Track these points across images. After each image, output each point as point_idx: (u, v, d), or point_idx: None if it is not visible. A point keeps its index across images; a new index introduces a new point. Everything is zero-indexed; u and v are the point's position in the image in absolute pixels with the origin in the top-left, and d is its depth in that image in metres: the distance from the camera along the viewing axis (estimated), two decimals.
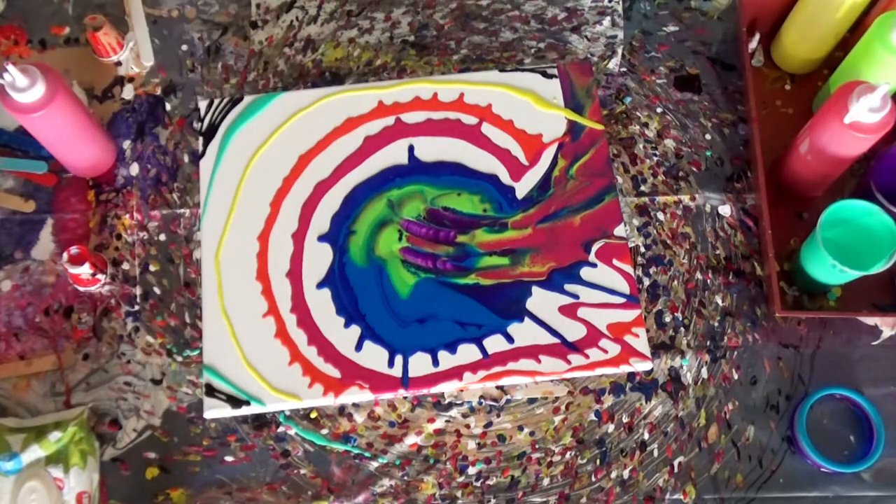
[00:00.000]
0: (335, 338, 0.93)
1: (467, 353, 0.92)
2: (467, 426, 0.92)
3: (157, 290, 0.97)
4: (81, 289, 0.96)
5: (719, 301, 0.96)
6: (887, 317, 0.95)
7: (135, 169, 1.02)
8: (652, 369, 0.93)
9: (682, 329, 0.95)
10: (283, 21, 1.10)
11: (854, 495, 0.90)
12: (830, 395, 0.92)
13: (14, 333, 0.95)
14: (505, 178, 0.99)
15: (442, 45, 1.08)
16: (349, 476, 0.91)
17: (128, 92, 1.06)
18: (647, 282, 0.97)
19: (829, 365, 0.94)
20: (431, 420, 0.92)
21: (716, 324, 0.96)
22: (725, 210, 1.00)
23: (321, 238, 0.97)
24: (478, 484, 0.90)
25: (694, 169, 1.02)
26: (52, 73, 0.89)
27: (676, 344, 0.95)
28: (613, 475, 0.90)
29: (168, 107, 1.05)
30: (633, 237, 0.99)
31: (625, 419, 0.92)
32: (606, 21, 1.09)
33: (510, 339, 0.92)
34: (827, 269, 0.88)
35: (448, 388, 0.91)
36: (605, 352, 0.92)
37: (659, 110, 1.05)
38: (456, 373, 0.91)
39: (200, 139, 1.01)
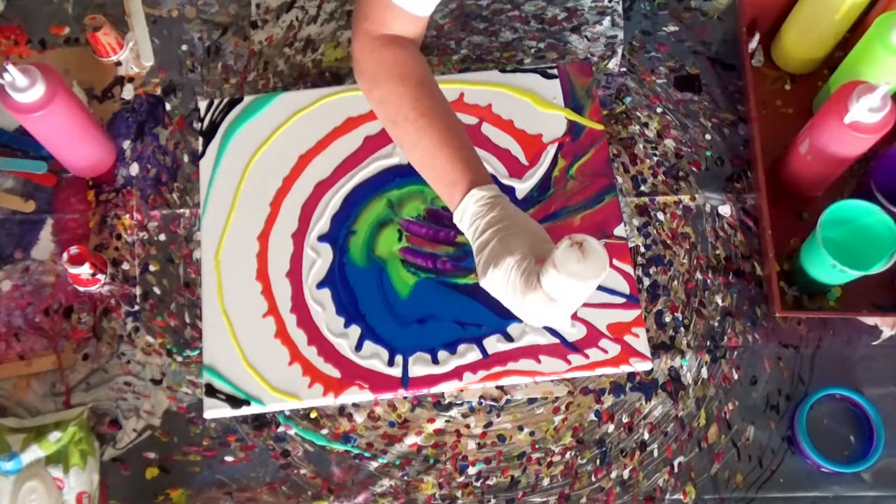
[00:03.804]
0: (335, 338, 0.93)
1: (467, 353, 0.92)
2: (467, 426, 0.92)
3: (157, 290, 0.97)
4: (81, 289, 0.96)
5: (719, 301, 0.96)
6: (887, 317, 0.95)
7: (135, 169, 1.02)
8: (652, 369, 0.93)
9: (682, 329, 0.95)
10: (283, 21, 1.10)
11: (854, 495, 0.90)
12: (830, 395, 0.92)
13: (14, 333, 0.95)
14: (505, 178, 0.99)
15: (442, 45, 1.08)
16: (349, 476, 0.91)
17: (128, 92, 1.06)
18: (647, 282, 0.97)
19: (829, 365, 0.94)
20: (431, 420, 0.92)
21: (716, 324, 0.96)
22: (725, 210, 1.00)
23: (321, 238, 0.97)
24: (478, 484, 0.90)
25: (694, 169, 1.02)
26: (52, 73, 0.90)
27: (676, 344, 0.95)
28: (613, 475, 0.90)
29: (168, 107, 1.05)
30: (633, 237, 0.99)
31: (625, 419, 0.92)
32: (606, 21, 1.09)
33: (510, 338, 0.92)
34: (827, 269, 0.88)
35: (448, 388, 0.91)
36: (605, 352, 0.92)
37: (659, 110, 1.05)
38: (456, 373, 0.91)
39: (200, 139, 1.01)
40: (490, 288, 0.73)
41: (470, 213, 0.75)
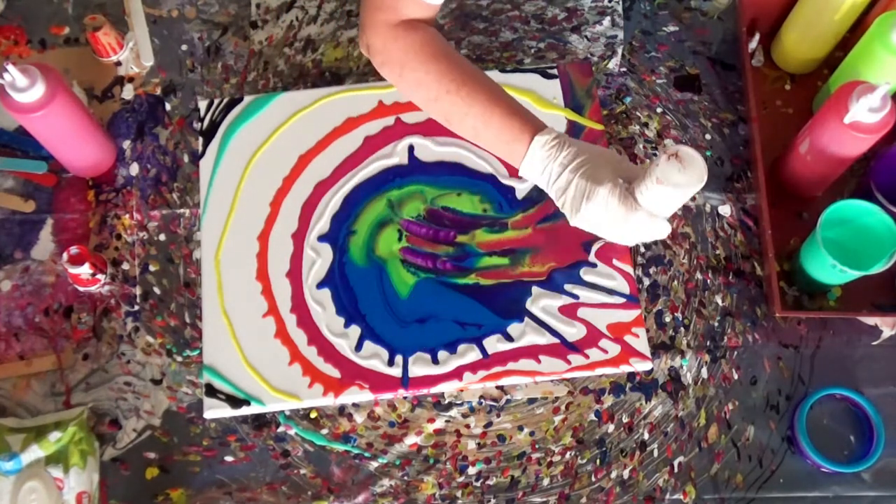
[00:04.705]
0: (335, 338, 0.93)
1: (467, 353, 0.92)
2: (467, 426, 0.92)
3: (157, 290, 0.97)
4: (81, 289, 0.96)
5: (719, 301, 0.96)
6: (887, 317, 0.95)
7: (135, 169, 1.02)
8: (652, 369, 0.93)
9: (682, 329, 0.95)
10: (283, 21, 1.10)
11: (854, 495, 0.90)
12: (830, 395, 0.92)
13: (14, 333, 0.95)
14: (505, 177, 0.99)
15: None
16: (349, 476, 0.91)
17: (128, 92, 1.06)
18: (647, 282, 0.97)
19: (829, 365, 0.94)
20: (431, 420, 0.92)
21: (716, 324, 0.96)
22: (725, 210, 1.00)
23: (321, 238, 0.97)
24: (478, 484, 0.90)
25: None
26: (52, 73, 0.90)
27: (676, 344, 0.95)
28: (613, 475, 0.90)
29: (168, 107, 1.05)
30: None
31: (625, 419, 0.92)
32: (606, 21, 1.09)
33: (510, 338, 0.92)
34: (827, 269, 0.88)
35: (448, 388, 0.91)
36: (605, 352, 0.92)
37: (659, 110, 1.05)
38: (456, 373, 0.91)
39: (200, 139, 1.01)
40: (584, 223, 0.75)
41: (539, 161, 0.76)
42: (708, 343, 0.95)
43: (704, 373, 0.94)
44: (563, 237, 0.96)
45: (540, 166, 0.76)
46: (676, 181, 0.69)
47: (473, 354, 0.92)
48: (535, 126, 0.77)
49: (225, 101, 1.02)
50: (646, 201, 0.72)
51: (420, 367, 0.92)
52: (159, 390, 0.93)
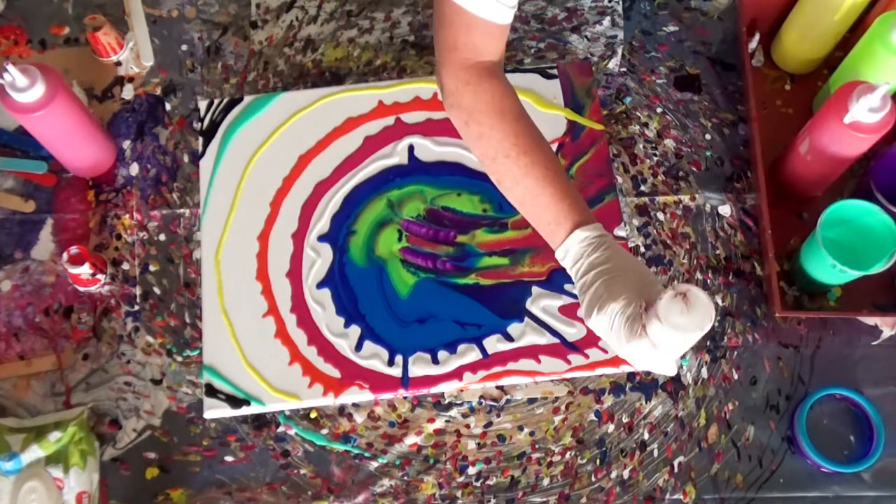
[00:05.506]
0: (335, 338, 0.93)
1: (467, 353, 0.92)
2: (467, 426, 0.92)
3: (157, 290, 0.97)
4: (81, 289, 0.96)
5: (719, 301, 0.96)
6: (887, 317, 0.95)
7: (135, 169, 1.02)
8: None
9: None
10: (283, 21, 1.10)
11: (854, 495, 0.90)
12: (830, 395, 0.92)
13: (14, 333, 0.95)
14: None
15: None
16: (349, 476, 0.91)
17: (128, 92, 1.06)
18: None
19: (829, 365, 0.94)
20: (431, 420, 0.92)
21: (716, 324, 0.96)
22: (725, 210, 1.00)
23: (321, 238, 0.97)
24: (478, 484, 0.90)
25: (694, 169, 1.02)
26: (52, 73, 0.90)
27: None
28: (613, 475, 0.90)
29: (168, 107, 1.05)
30: (633, 237, 0.99)
31: (625, 419, 0.92)
32: (606, 21, 1.09)
33: (510, 338, 0.92)
34: (827, 269, 0.88)
35: (448, 388, 0.91)
36: (605, 352, 0.92)
37: (659, 110, 1.05)
38: (456, 373, 0.91)
39: (200, 139, 1.01)
40: (594, 329, 0.73)
41: (573, 253, 0.75)
42: (708, 343, 0.95)
43: (704, 373, 0.94)
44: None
45: (572, 259, 0.75)
46: (675, 322, 0.66)
47: (473, 354, 0.92)
48: (581, 216, 0.76)
49: (225, 101, 1.03)
50: (651, 333, 0.69)
51: (420, 367, 0.92)
52: (159, 390, 0.93)
